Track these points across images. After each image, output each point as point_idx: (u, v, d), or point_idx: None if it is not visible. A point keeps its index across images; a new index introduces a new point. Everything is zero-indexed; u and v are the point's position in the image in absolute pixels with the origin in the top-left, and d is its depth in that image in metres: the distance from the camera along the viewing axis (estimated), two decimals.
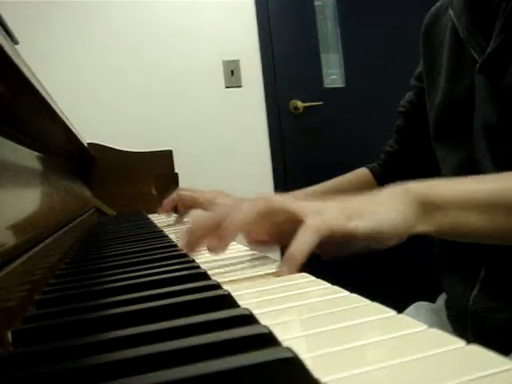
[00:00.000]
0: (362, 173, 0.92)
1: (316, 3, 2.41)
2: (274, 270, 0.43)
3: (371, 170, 0.92)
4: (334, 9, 2.43)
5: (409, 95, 0.87)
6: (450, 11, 0.70)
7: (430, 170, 0.84)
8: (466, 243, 0.61)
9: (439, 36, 0.74)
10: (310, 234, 0.41)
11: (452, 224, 0.47)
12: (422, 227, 0.47)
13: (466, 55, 0.66)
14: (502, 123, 0.60)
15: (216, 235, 0.44)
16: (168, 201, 0.92)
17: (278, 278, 0.40)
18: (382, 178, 0.90)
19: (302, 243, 0.41)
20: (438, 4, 0.78)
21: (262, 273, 0.43)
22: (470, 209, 0.47)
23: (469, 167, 0.63)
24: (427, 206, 0.46)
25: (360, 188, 0.88)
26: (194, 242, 0.48)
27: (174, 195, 0.92)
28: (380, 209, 0.45)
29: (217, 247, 0.45)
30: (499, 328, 0.63)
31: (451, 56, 0.70)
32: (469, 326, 0.67)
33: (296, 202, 0.45)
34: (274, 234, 0.48)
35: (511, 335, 0.62)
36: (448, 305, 0.75)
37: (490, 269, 0.65)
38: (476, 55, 0.64)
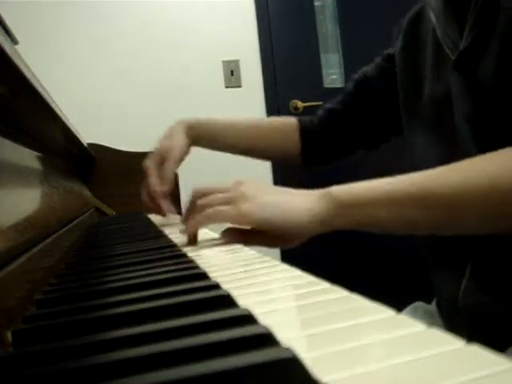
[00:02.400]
0: (289, 121, 0.94)
1: (316, 3, 2.41)
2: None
3: (300, 122, 0.93)
4: (334, 9, 2.43)
5: (368, 67, 0.90)
6: (429, 12, 0.71)
7: (365, 140, 0.90)
8: (452, 240, 0.64)
9: (423, 35, 0.75)
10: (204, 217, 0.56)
11: (365, 219, 0.52)
12: (339, 223, 0.53)
13: (444, 54, 0.67)
14: (479, 117, 0.60)
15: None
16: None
17: (278, 278, 0.40)
18: (309, 133, 0.91)
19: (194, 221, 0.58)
20: (420, 4, 0.78)
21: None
22: (379, 204, 0.51)
23: (454, 159, 0.64)
24: (340, 204, 0.52)
25: (283, 136, 0.92)
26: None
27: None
28: (290, 202, 0.53)
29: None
30: (490, 322, 0.63)
31: (433, 55, 0.70)
32: (459, 321, 0.67)
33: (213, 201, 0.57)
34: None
35: (502, 329, 0.62)
36: (438, 302, 0.75)
37: (477, 264, 0.64)
38: (450, 53, 0.65)
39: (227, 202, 0.55)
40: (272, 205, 0.53)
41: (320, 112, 0.94)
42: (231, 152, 0.97)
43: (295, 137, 0.92)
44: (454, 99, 0.64)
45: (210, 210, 0.56)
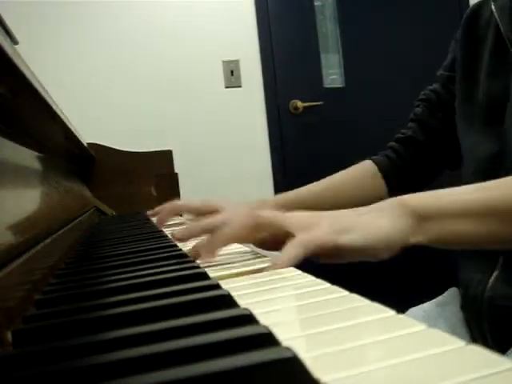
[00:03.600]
0: (366, 168, 0.86)
1: (316, 3, 2.41)
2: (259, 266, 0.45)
3: (377, 163, 0.85)
4: (334, 9, 2.43)
5: (432, 87, 0.84)
6: (493, 7, 0.70)
7: (447, 161, 0.83)
8: None
9: (482, 30, 0.73)
10: (298, 248, 0.44)
11: (445, 234, 0.48)
12: (416, 238, 0.47)
13: (507, 54, 0.66)
14: None
15: (206, 243, 0.49)
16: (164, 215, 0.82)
17: (278, 278, 0.40)
18: (391, 171, 0.85)
19: (288, 256, 0.43)
20: (478, 2, 0.77)
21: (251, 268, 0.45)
22: (462, 218, 0.48)
23: (498, 158, 0.64)
24: (420, 218, 0.47)
25: (364, 186, 0.84)
26: (188, 239, 0.55)
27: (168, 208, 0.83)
28: (371, 223, 0.46)
29: (205, 255, 0.48)
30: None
31: (493, 52, 0.69)
32: (484, 313, 0.67)
33: (285, 216, 0.49)
34: (262, 245, 0.53)
35: None
36: (463, 294, 0.75)
37: (509, 256, 0.65)
38: (510, 47, 0.64)
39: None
40: (363, 230, 0.46)
41: (393, 145, 0.87)
42: None
43: (377, 182, 0.85)
44: (510, 101, 0.63)
45: (307, 235, 0.45)
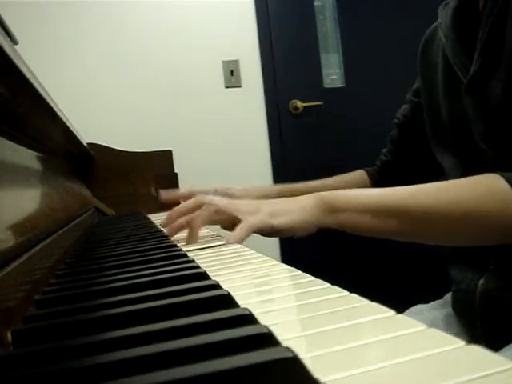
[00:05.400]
0: (359, 175, 0.99)
1: (316, 3, 2.41)
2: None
3: (368, 173, 0.98)
4: (334, 9, 2.43)
5: (404, 108, 0.91)
6: (440, 32, 0.73)
7: (420, 178, 0.87)
8: None
9: (434, 56, 0.77)
10: (244, 229, 0.61)
11: (350, 223, 0.62)
12: (327, 223, 0.62)
13: (455, 75, 0.69)
14: (493, 136, 0.64)
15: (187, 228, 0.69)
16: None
17: (278, 278, 0.40)
18: (377, 183, 0.95)
19: (236, 236, 0.61)
20: (434, 24, 0.80)
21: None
22: (364, 212, 0.61)
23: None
24: (330, 208, 0.62)
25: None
26: (169, 224, 0.71)
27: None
28: (294, 210, 0.62)
29: (189, 240, 0.67)
30: (506, 306, 0.65)
31: (445, 77, 0.73)
32: (477, 308, 0.68)
33: (234, 203, 0.66)
34: (227, 227, 0.71)
35: None
36: (454, 291, 0.76)
37: (501, 257, 0.66)
38: (462, 77, 0.67)
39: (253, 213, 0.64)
40: (289, 215, 0.62)
41: (377, 164, 0.98)
42: None
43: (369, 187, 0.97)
44: (469, 119, 0.67)
45: (251, 219, 0.63)
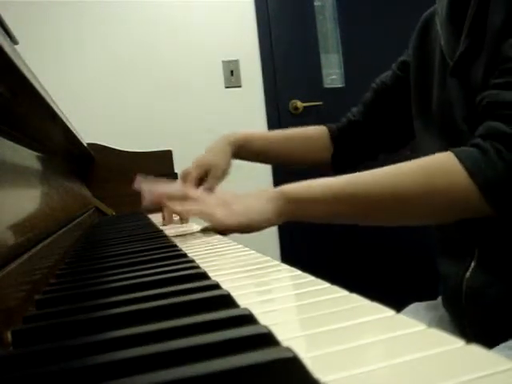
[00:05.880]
0: (320, 129, 1.02)
1: (316, 3, 2.41)
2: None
3: (329, 128, 1.01)
4: (334, 9, 2.43)
5: (385, 75, 0.93)
6: (437, 21, 0.74)
7: (380, 146, 0.96)
8: (461, 229, 0.70)
9: (432, 42, 0.77)
10: (216, 228, 0.71)
11: (308, 213, 0.65)
12: (284, 217, 0.66)
13: (446, 61, 0.70)
14: (473, 119, 0.64)
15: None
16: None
17: (278, 278, 0.40)
18: (337, 140, 0.98)
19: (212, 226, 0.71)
20: (432, 8, 0.80)
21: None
22: (320, 202, 0.64)
23: None
24: (291, 200, 0.65)
25: (310, 143, 1.01)
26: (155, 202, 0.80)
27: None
28: (254, 207, 0.67)
29: (167, 222, 0.85)
30: (492, 303, 0.65)
31: (440, 64, 0.73)
32: (463, 304, 0.69)
33: (211, 207, 0.70)
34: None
35: (504, 310, 0.64)
36: (444, 288, 0.77)
37: (484, 250, 0.67)
38: (449, 60, 0.69)
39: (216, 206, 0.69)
40: (240, 213, 0.67)
41: (342, 121, 1.00)
42: (270, 163, 1.16)
43: (327, 143, 1.00)
44: (452, 102, 0.68)
45: (205, 209, 0.69)
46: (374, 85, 0.95)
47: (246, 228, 0.67)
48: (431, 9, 0.81)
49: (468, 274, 0.68)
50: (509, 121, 0.56)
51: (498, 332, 0.64)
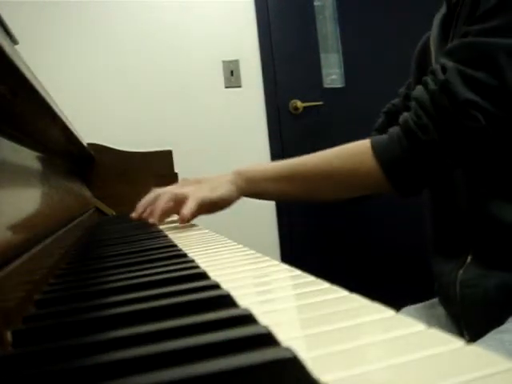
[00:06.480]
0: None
1: (316, 3, 2.41)
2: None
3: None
4: (334, 9, 2.43)
5: (394, 100, 0.97)
6: (431, 43, 0.77)
7: None
8: (455, 228, 0.73)
9: (428, 65, 0.79)
10: (194, 202, 0.75)
11: (261, 190, 0.77)
12: (244, 193, 0.78)
13: None
14: None
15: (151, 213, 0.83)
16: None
17: (278, 278, 0.40)
18: None
19: (189, 209, 0.75)
20: (429, 33, 0.83)
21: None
22: (270, 180, 0.76)
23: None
24: (248, 180, 0.77)
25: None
26: (141, 212, 0.86)
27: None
28: (223, 184, 0.77)
29: (153, 221, 0.81)
30: (486, 295, 0.67)
31: None
32: (458, 297, 0.71)
33: (182, 188, 0.80)
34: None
35: (498, 301, 0.66)
36: (439, 287, 0.78)
37: (479, 247, 0.69)
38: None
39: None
40: (209, 190, 0.77)
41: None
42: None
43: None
44: None
45: (177, 191, 0.78)
46: (384, 109, 0.99)
47: (218, 200, 0.76)
48: (424, 37, 0.85)
49: (461, 270, 0.70)
50: (414, 112, 0.65)
51: (492, 324, 0.64)
